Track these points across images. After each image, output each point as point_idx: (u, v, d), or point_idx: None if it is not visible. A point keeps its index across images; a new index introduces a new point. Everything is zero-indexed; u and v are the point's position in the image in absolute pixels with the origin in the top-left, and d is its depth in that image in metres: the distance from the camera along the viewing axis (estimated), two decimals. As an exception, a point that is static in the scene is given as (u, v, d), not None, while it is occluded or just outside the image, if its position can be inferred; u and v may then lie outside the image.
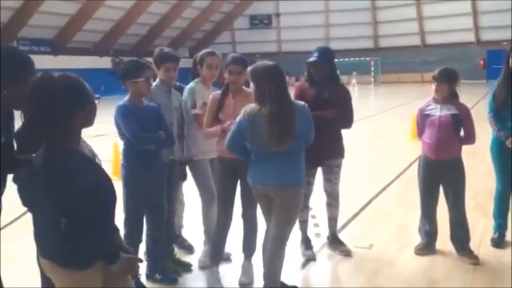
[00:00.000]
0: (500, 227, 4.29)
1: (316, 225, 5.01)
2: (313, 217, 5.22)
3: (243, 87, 3.69)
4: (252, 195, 3.42)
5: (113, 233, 2.18)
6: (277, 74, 3.15)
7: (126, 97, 3.53)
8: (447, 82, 3.93)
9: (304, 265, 4.06)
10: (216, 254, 3.69)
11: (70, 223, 1.93)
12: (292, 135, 3.06)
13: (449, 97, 3.96)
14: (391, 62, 38.28)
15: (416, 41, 38.80)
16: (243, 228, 3.78)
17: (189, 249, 4.36)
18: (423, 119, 4.07)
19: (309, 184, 4.15)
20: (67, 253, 1.96)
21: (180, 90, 4.16)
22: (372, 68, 38.52)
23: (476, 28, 36.72)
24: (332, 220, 4.32)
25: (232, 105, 3.59)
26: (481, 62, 36.01)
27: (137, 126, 3.41)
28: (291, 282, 3.58)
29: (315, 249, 4.29)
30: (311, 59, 4.06)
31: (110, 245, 2.09)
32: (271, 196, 3.20)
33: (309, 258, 4.13)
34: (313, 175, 4.18)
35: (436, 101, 4.01)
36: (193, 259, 4.14)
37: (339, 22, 39.69)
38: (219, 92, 3.72)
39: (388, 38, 39.31)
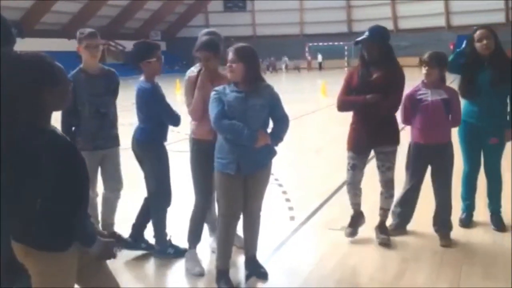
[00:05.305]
0: (468, 208, 4.41)
1: (291, 208, 5.05)
2: (288, 200, 5.27)
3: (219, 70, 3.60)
4: None
5: (88, 217, 2.14)
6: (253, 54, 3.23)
7: (142, 78, 3.61)
8: (438, 66, 3.88)
9: (278, 247, 4.10)
10: (195, 236, 3.72)
11: (45, 203, 1.89)
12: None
13: (438, 81, 3.94)
14: (365, 47, 38.49)
15: (389, 25, 39.05)
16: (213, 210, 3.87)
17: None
18: (414, 104, 3.97)
19: (355, 168, 4.04)
20: (44, 235, 1.92)
21: (110, 75, 3.92)
22: (346, 53, 38.69)
23: (447, 12, 37.20)
24: (381, 209, 4.14)
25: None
26: (451, 47, 36.56)
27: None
28: (265, 263, 3.64)
29: (288, 232, 4.33)
30: (360, 37, 3.87)
31: (87, 227, 2.06)
32: None
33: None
34: (361, 160, 4.04)
35: (425, 85, 3.96)
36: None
37: (313, 6, 39.62)
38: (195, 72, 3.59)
39: (362, 22, 39.41)
